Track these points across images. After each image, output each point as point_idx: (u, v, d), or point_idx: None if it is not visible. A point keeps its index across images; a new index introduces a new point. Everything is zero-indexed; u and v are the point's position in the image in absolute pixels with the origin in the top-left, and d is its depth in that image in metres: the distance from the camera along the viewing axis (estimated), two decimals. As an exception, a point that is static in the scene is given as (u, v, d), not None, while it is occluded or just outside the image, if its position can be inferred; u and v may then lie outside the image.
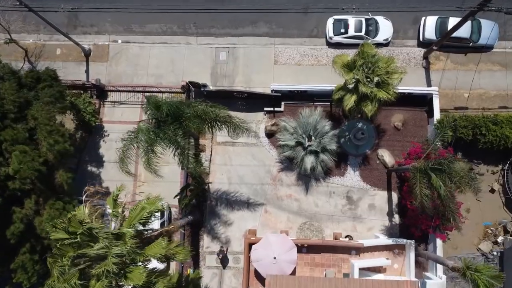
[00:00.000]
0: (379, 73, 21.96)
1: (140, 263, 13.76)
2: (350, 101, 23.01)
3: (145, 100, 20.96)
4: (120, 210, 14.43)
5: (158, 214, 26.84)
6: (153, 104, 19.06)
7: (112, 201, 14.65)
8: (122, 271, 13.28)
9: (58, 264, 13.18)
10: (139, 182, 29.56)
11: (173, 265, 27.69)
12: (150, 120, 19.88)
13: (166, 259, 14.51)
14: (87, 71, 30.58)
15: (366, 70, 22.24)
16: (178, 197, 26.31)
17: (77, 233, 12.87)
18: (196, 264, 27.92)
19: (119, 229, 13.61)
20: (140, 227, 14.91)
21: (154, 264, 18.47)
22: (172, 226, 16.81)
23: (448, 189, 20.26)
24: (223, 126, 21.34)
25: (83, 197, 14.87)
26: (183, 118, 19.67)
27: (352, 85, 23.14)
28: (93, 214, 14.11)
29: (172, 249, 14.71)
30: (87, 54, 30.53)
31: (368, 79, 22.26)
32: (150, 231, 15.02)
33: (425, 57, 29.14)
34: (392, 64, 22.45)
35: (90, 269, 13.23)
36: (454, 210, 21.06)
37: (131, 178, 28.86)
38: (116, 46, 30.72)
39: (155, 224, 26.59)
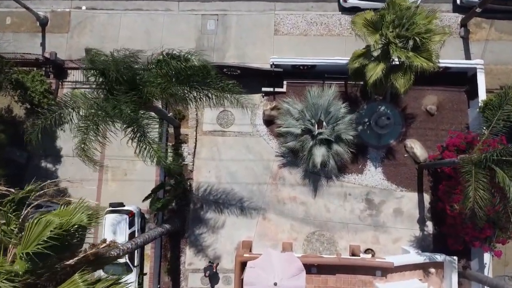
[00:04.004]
0: (417, 31, 16.07)
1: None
2: (375, 71, 17.12)
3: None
4: (14, 227, 8.47)
5: (126, 222, 21.09)
6: (92, 61, 13.08)
7: (4, 214, 8.65)
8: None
9: None
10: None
11: (146, 284, 21.95)
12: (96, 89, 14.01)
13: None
14: (43, 44, 24.82)
15: (398, 27, 16.38)
16: (150, 200, 20.36)
17: None
18: (176, 286, 22.04)
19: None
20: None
21: None
22: (105, 245, 10.66)
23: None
24: (202, 94, 15.29)
25: None
26: (143, 83, 13.68)
27: (379, 50, 17.31)
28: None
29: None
30: (43, 23, 24.81)
31: (402, 40, 16.40)
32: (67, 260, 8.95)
33: (463, 24, 23.36)
34: (434, 20, 16.57)
35: None
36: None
37: (95, 176, 23.48)
38: (79, 14, 24.98)
39: (122, 235, 20.93)
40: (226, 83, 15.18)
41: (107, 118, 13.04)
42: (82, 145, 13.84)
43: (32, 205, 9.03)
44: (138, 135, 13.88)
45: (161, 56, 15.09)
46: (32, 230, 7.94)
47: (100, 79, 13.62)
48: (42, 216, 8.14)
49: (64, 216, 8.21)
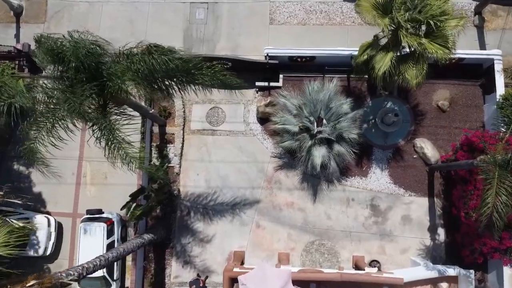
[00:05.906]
0: (431, 13, 13.98)
1: None
2: (384, 62, 15.01)
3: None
4: None
5: (103, 231, 19.00)
6: (46, 48, 11.06)
7: None
8: None
9: None
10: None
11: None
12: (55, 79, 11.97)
13: None
14: (17, 35, 22.82)
15: (411, 10, 14.28)
16: (127, 207, 18.22)
17: None
18: (160, 301, 19.97)
19: None
20: None
21: None
22: (31, 284, 8.47)
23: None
24: (185, 82, 13.21)
25: None
26: (108, 74, 11.58)
27: (388, 37, 15.23)
28: None
29: None
30: (17, 12, 22.81)
31: (414, 25, 14.30)
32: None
33: (478, 12, 21.25)
34: (449, 2, 14.49)
35: None
36: None
37: (73, 180, 21.43)
38: (56, 2, 22.92)
39: (99, 246, 18.85)
40: (212, 69, 13.11)
41: (62, 112, 10.93)
42: (31, 144, 11.81)
43: None
44: (105, 133, 11.76)
45: (135, 49, 13.03)
46: None
47: (59, 68, 11.58)
48: None
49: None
